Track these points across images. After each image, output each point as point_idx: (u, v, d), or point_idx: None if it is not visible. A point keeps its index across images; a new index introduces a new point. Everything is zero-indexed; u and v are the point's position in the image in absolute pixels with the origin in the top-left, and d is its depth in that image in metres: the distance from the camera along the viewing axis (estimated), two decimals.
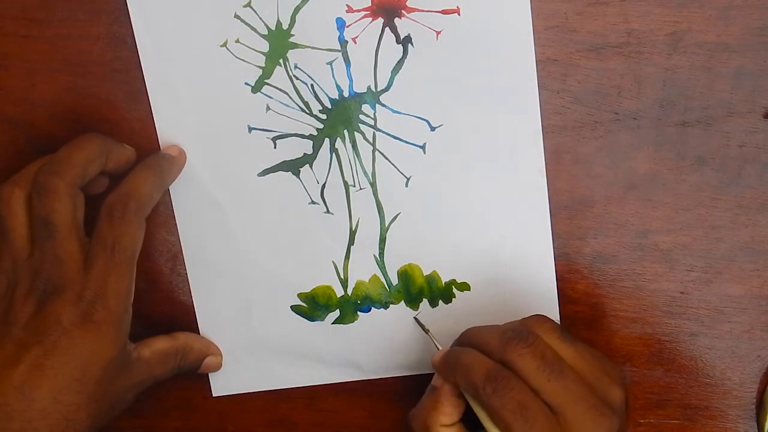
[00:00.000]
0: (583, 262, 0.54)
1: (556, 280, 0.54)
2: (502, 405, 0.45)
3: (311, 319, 0.56)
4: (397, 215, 0.54)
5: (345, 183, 0.54)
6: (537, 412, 0.45)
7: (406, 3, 0.51)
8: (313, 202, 0.54)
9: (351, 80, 0.52)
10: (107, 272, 0.48)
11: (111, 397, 0.49)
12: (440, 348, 0.51)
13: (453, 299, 0.55)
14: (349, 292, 0.55)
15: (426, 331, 0.54)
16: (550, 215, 0.53)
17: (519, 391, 0.45)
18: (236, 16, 0.51)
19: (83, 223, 0.50)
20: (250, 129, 0.53)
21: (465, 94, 0.52)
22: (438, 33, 0.51)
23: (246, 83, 0.52)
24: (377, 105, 0.52)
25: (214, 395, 0.58)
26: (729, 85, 0.51)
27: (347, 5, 0.51)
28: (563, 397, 0.45)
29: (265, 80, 0.52)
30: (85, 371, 0.47)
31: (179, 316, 0.56)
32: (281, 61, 0.52)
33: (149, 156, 0.52)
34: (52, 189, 0.48)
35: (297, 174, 0.54)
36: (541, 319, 0.49)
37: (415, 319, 0.55)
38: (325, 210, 0.54)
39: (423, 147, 0.53)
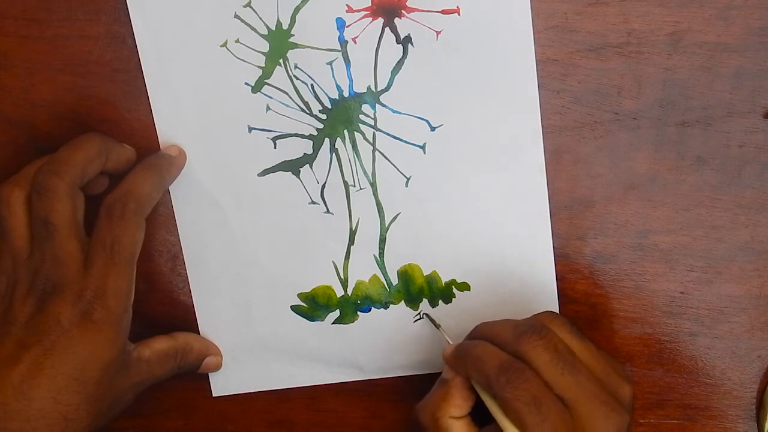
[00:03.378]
0: (583, 262, 0.54)
1: (556, 280, 0.54)
2: (516, 397, 0.45)
3: (311, 319, 0.56)
4: (397, 215, 0.54)
5: (345, 183, 0.54)
6: (550, 405, 0.45)
7: (406, 3, 0.51)
8: (313, 202, 0.54)
9: (351, 80, 0.52)
10: (107, 272, 0.48)
11: (110, 396, 0.49)
12: (451, 342, 0.51)
13: (453, 299, 0.55)
14: (349, 292, 0.55)
15: (437, 326, 0.54)
16: (550, 215, 0.53)
17: (533, 384, 0.45)
18: (236, 16, 0.51)
19: (83, 223, 0.50)
20: (250, 129, 0.53)
21: (465, 94, 0.52)
22: (438, 33, 0.51)
23: (246, 83, 0.52)
24: (377, 105, 0.52)
25: (214, 395, 0.58)
26: (729, 85, 0.51)
27: (347, 5, 0.51)
28: (576, 392, 0.45)
29: (265, 80, 0.52)
30: (84, 371, 0.47)
31: (179, 316, 0.56)
32: (281, 61, 0.52)
33: (149, 156, 0.52)
34: (52, 189, 0.48)
35: (297, 174, 0.54)
36: (552, 314, 0.49)
37: (426, 314, 0.55)
38: (325, 210, 0.54)
39: (423, 147, 0.53)
